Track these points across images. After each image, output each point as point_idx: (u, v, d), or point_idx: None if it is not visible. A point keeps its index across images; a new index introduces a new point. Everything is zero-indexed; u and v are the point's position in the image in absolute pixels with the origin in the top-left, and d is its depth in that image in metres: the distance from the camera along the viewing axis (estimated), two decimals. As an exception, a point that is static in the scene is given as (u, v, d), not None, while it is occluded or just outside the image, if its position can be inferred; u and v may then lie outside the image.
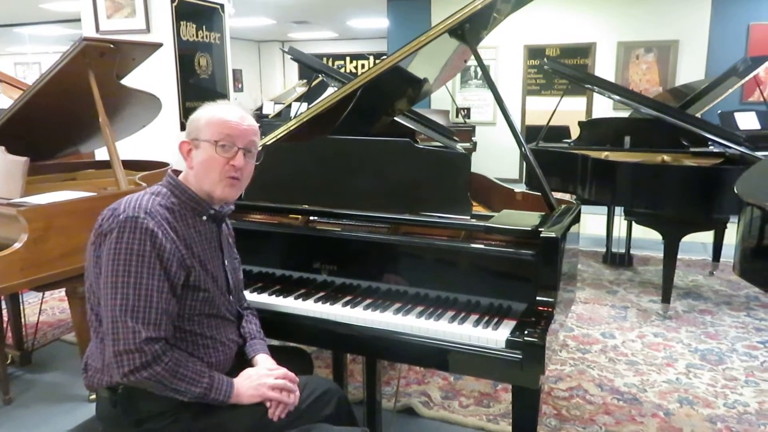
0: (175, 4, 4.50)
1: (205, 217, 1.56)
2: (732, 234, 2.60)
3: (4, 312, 2.97)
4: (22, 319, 3.19)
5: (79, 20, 4.82)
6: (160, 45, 3.05)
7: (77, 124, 3.14)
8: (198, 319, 1.49)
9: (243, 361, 1.61)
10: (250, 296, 1.87)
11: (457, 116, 9.00)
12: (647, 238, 5.11)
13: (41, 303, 3.69)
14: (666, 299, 3.79)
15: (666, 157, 4.17)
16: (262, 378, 1.48)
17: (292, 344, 1.98)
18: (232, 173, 1.51)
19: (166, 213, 1.46)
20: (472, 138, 7.68)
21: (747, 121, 5.54)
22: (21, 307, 3.18)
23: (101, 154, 3.85)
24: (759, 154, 3.62)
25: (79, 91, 2.75)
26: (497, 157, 8.58)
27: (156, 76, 4.22)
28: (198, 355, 1.48)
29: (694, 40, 8.08)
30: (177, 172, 1.57)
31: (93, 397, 2.16)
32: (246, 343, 1.65)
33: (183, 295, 1.45)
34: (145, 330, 1.34)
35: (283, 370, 1.53)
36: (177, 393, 1.38)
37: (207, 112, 1.52)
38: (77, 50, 2.60)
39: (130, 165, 3.33)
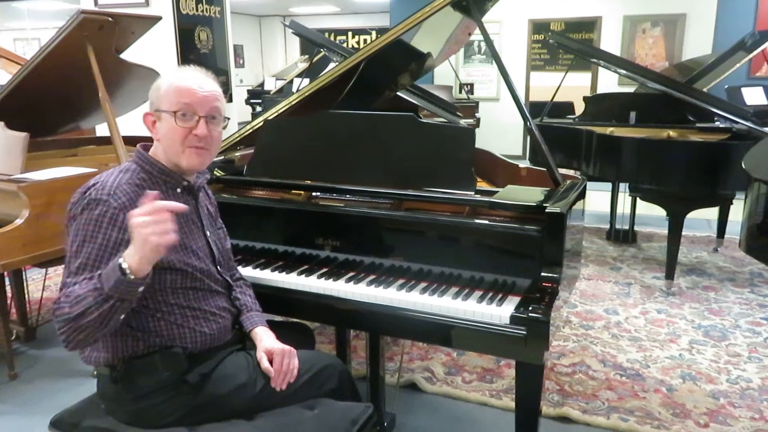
0: (174, -24, 4.44)
1: (179, 190, 1.52)
2: (736, 210, 2.58)
3: (8, 288, 2.97)
4: (26, 296, 3.20)
5: (77, -6, 4.76)
6: (159, 18, 3.00)
7: (78, 100, 3.11)
8: (182, 292, 1.47)
9: (242, 334, 1.61)
10: (253, 272, 1.86)
11: (460, 92, 8.92)
12: (651, 214, 5.09)
13: (44, 279, 3.70)
14: (670, 276, 3.78)
15: (672, 133, 4.13)
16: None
17: (294, 320, 1.97)
18: (196, 143, 1.45)
19: (136, 189, 1.42)
20: (476, 114, 7.61)
21: (754, 96, 5.48)
22: (24, 283, 3.19)
23: (102, 130, 3.83)
24: (766, 129, 3.58)
25: (79, 66, 2.72)
26: (500, 133, 8.52)
27: (156, 50, 4.17)
28: (188, 327, 1.46)
29: (701, 13, 7.95)
30: (147, 147, 1.52)
31: (97, 372, 2.16)
32: (243, 315, 1.63)
33: (160, 272, 1.40)
34: (70, 281, 1.30)
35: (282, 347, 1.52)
36: (91, 314, 1.23)
37: (165, 81, 1.47)
38: (75, 23, 2.56)
39: (131, 141, 3.31)
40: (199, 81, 1.48)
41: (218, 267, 1.59)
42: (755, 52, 5.39)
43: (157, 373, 1.40)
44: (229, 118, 1.57)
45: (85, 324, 1.24)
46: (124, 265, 1.21)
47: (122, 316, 1.30)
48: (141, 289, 1.26)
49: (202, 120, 1.46)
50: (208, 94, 1.47)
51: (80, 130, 3.75)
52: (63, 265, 2.69)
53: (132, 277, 1.21)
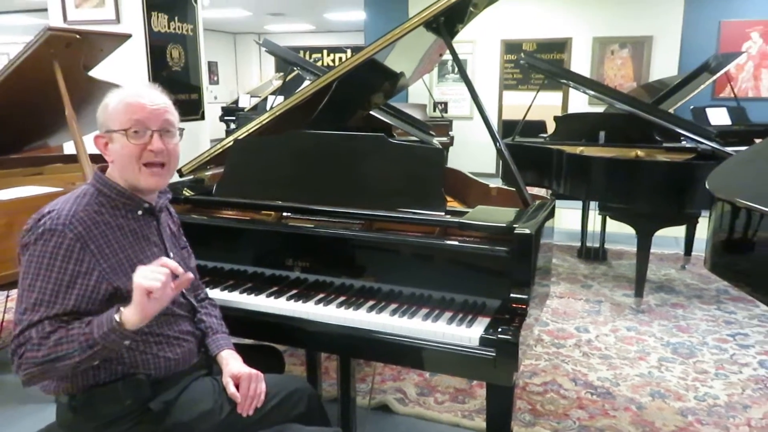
0: (146, -6, 4.41)
1: (140, 212, 1.48)
2: (703, 228, 2.63)
3: (-32, 310, 2.88)
4: (-13, 318, 3.10)
5: (46, 10, 4.68)
6: (128, 36, 2.97)
7: (44, 117, 3.05)
8: None
9: (208, 359, 1.57)
10: (221, 294, 1.83)
11: (434, 110, 8.99)
12: (621, 232, 5.15)
13: (6, 301, 3.59)
14: (639, 293, 3.83)
15: (640, 152, 4.21)
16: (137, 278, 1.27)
17: (263, 342, 1.94)
18: (152, 159, 1.41)
19: (94, 216, 1.38)
20: (450, 132, 7.68)
21: (718, 117, 5.63)
22: (-15, 305, 3.10)
23: (70, 147, 3.76)
24: (729, 149, 3.67)
25: (45, 83, 2.67)
26: (474, 151, 8.59)
27: (127, 67, 4.12)
28: (151, 353, 1.43)
29: (667, 36, 8.18)
30: (105, 168, 1.47)
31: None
32: (208, 338, 1.59)
33: (118, 301, 1.34)
34: (26, 318, 1.27)
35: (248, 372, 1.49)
36: (71, 358, 1.24)
37: (113, 99, 1.42)
38: (41, 40, 2.52)
39: (99, 159, 3.25)
40: (147, 95, 1.44)
41: (183, 290, 1.55)
42: (719, 74, 5.56)
43: (119, 401, 1.36)
44: (183, 129, 1.52)
45: (60, 367, 1.25)
46: (119, 318, 1.26)
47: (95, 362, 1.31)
48: (127, 342, 1.29)
49: (156, 134, 1.42)
50: (157, 107, 1.43)
51: (48, 148, 3.68)
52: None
53: (126, 328, 1.26)
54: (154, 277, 1.24)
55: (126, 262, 1.40)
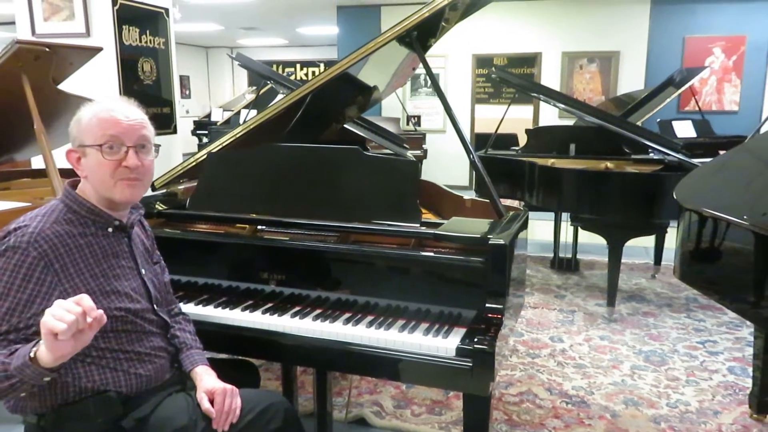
0: (116, 7, 4.36)
1: (110, 229, 1.45)
2: (672, 238, 2.70)
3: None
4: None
5: (14, 23, 4.60)
6: (99, 49, 2.94)
7: (12, 131, 2.99)
8: (114, 336, 1.39)
9: (182, 374, 1.55)
10: (195, 309, 1.81)
11: (407, 124, 9.06)
12: (593, 242, 5.23)
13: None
14: (611, 303, 3.89)
15: (609, 164, 4.30)
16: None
17: (238, 357, 1.92)
18: (127, 174, 1.39)
19: (61, 233, 1.35)
20: (423, 145, 7.74)
21: (684, 130, 5.77)
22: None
23: (39, 162, 3.68)
24: (696, 161, 3.77)
25: (13, 96, 2.62)
26: (448, 164, 8.66)
27: (97, 81, 4.07)
28: (122, 369, 1.40)
29: (633, 51, 8.41)
30: (76, 183, 1.45)
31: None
32: (182, 354, 1.56)
33: None
34: None
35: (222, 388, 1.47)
36: None
37: (86, 113, 1.40)
38: (9, 53, 2.48)
39: (68, 173, 3.19)
40: (123, 109, 1.41)
41: (155, 305, 1.52)
42: (683, 88, 5.73)
43: (90, 420, 1.33)
44: (159, 145, 1.50)
45: None
46: (33, 354, 1.17)
47: (23, 395, 1.27)
48: (47, 379, 1.21)
49: (131, 150, 1.40)
50: (133, 122, 1.41)
51: (14, 162, 3.60)
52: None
53: (41, 365, 1.17)
54: (62, 316, 1.11)
55: (92, 280, 1.37)
